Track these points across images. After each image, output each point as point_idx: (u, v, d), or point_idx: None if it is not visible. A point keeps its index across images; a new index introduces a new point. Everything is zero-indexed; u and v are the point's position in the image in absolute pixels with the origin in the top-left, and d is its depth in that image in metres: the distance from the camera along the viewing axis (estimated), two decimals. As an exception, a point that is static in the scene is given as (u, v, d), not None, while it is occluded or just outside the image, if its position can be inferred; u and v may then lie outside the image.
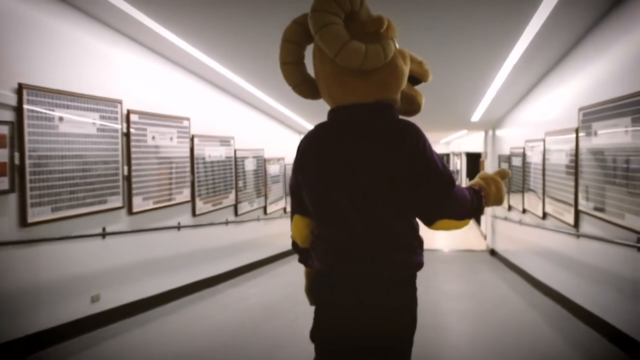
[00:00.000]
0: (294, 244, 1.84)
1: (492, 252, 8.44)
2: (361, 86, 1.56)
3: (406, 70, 1.64)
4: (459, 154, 17.92)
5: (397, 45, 1.61)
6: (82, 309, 3.59)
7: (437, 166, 1.53)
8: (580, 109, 3.94)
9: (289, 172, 8.35)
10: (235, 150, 5.99)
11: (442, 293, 5.42)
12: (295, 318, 4.07)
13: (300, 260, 1.85)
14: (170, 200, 4.57)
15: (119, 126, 3.86)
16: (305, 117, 7.83)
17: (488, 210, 8.95)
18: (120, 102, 3.86)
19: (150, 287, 4.32)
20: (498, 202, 1.78)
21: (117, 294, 3.93)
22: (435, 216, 1.59)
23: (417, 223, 1.66)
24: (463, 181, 15.82)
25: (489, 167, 8.85)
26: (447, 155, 23.37)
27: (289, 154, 8.32)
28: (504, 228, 7.47)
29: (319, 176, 1.61)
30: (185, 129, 4.83)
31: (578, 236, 4.07)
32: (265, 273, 6.48)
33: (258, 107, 6.78)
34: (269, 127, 7.45)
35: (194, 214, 5.03)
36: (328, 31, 1.46)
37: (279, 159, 7.69)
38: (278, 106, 6.64)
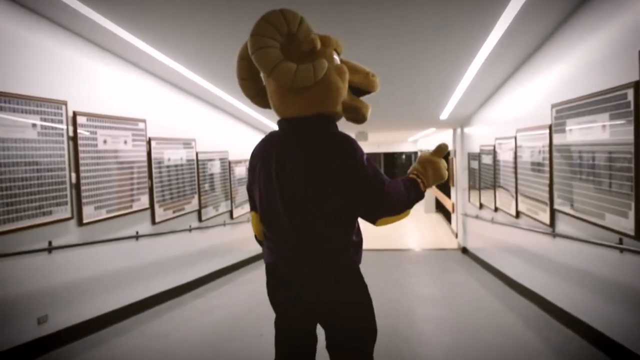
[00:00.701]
0: (256, 237, 2.03)
1: (464, 251, 8.37)
2: (297, 101, 1.71)
3: (342, 85, 1.74)
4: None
5: (338, 60, 1.76)
6: (27, 333, 3.24)
7: (369, 174, 1.66)
8: (553, 106, 3.83)
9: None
10: (197, 153, 5.68)
11: (416, 298, 5.26)
12: (261, 334, 3.82)
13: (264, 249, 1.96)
14: (126, 208, 4.25)
15: (63, 128, 3.52)
16: (271, 119, 7.57)
17: (458, 208, 8.89)
18: (64, 103, 3.52)
19: (104, 304, 3.99)
20: (439, 180, 1.89)
21: (67, 314, 3.58)
22: (375, 217, 1.71)
23: (354, 225, 1.79)
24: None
25: (459, 164, 8.78)
26: (415, 153, 23.49)
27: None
28: (476, 226, 7.39)
29: (261, 181, 1.78)
30: (141, 132, 4.50)
31: (554, 236, 3.96)
32: (233, 280, 6.19)
33: (221, 108, 6.49)
34: (234, 129, 7.16)
35: (153, 222, 4.71)
36: (262, 54, 1.61)
37: (245, 161, 7.40)
38: (243, 107, 6.36)
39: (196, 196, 5.65)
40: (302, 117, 1.72)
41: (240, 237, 7.12)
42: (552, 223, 3.97)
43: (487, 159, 6.33)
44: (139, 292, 4.45)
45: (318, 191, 1.66)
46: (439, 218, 13.34)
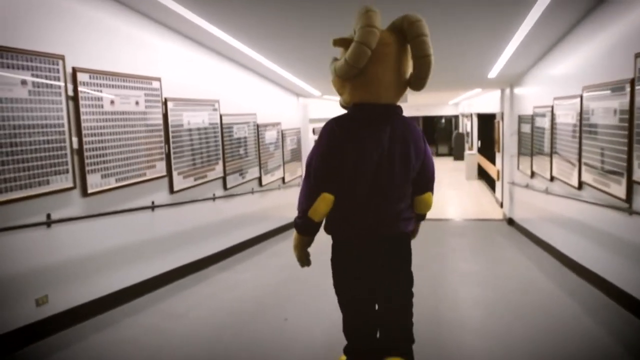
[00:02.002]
0: (306, 218, 2.00)
1: (510, 222, 7.74)
2: (400, 91, 2.04)
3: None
4: (468, 115, 17.01)
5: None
6: (25, 315, 2.94)
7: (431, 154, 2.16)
8: (637, 55, 3.15)
9: (289, 138, 7.61)
10: (221, 116, 5.23)
11: (458, 276, 4.75)
12: (285, 318, 3.42)
13: (306, 233, 2.08)
14: (139, 176, 3.87)
15: (61, 86, 3.10)
16: (306, 80, 7.03)
17: (504, 176, 8.20)
18: (61, 57, 3.09)
19: (114, 281, 3.66)
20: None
21: (69, 294, 3.27)
22: (429, 189, 2.24)
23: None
24: (474, 144, 14.99)
25: (507, 128, 8.05)
26: (456, 117, 22.47)
27: (287, 119, 7.55)
28: (525, 196, 6.74)
29: (361, 158, 1.94)
30: (156, 92, 4.07)
31: (630, 213, 3.34)
32: (261, 252, 5.83)
33: (248, 67, 5.98)
34: (263, 90, 6.67)
35: (171, 191, 4.33)
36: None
37: (275, 125, 6.93)
38: (274, 67, 5.83)
39: (220, 162, 5.24)
40: (394, 105, 2.02)
41: (269, 205, 6.73)
42: (629, 198, 3.35)
43: (542, 122, 5.63)
44: (154, 267, 4.12)
45: (411, 164, 2.03)
46: (481, 185, 12.62)
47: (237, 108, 5.73)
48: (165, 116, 4.20)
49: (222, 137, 5.27)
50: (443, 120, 24.13)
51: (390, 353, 2.16)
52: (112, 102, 3.56)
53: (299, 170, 8.20)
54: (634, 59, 3.18)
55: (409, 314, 2.23)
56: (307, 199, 1.99)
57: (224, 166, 5.32)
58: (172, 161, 4.30)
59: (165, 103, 4.20)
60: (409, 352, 2.21)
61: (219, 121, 5.20)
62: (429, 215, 2.39)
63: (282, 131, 7.25)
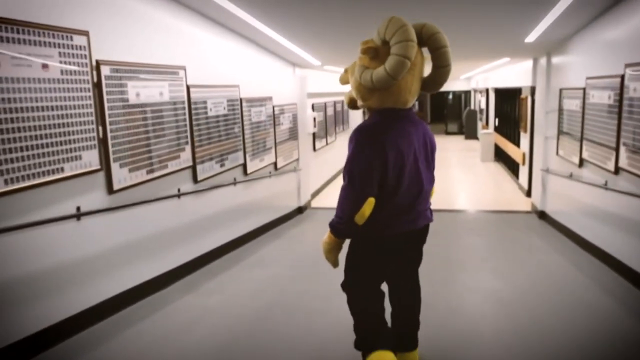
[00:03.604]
0: (352, 223, 2.08)
1: (542, 215, 6.57)
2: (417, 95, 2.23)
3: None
4: (483, 91, 15.69)
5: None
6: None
7: None
8: None
9: (283, 116, 6.40)
10: (188, 87, 4.03)
11: (482, 298, 3.60)
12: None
13: (346, 236, 2.19)
14: (54, 172, 2.71)
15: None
16: (304, 46, 5.78)
17: (536, 161, 6.98)
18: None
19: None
20: None
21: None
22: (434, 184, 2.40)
23: None
24: (491, 124, 13.71)
25: (540, 105, 6.80)
26: (466, 92, 21.12)
27: (280, 93, 6.34)
28: (566, 188, 5.56)
29: (402, 159, 2.07)
30: (81, 52, 2.87)
31: None
32: (240, 260, 4.70)
33: (228, 26, 4.74)
34: (248, 57, 5.43)
35: (110, 191, 3.16)
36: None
37: (264, 100, 5.72)
38: (261, 26, 4.58)
39: (188, 148, 4.06)
40: (412, 107, 2.21)
41: (258, 196, 5.58)
42: None
43: (600, 97, 4.41)
44: (77, 302, 2.99)
45: (433, 160, 2.30)
46: (499, 168, 11.38)
47: (213, 78, 4.52)
48: (98, 87, 3.01)
49: (190, 115, 4.07)
50: (450, 96, 22.73)
51: (408, 348, 2.42)
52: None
53: (295, 154, 7.02)
54: None
55: (420, 304, 2.49)
56: (353, 205, 2.06)
57: (193, 153, 4.13)
58: (110, 149, 3.12)
59: (97, 68, 3.00)
60: (417, 344, 2.46)
61: (185, 94, 4.00)
62: (436, 205, 2.51)
63: (274, 107, 6.05)
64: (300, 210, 7.19)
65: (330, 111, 9.58)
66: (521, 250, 5.17)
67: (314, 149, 8.51)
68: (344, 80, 2.36)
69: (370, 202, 2.05)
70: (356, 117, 12.25)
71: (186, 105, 4.02)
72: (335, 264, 2.28)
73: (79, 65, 2.86)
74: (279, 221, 6.28)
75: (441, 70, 2.08)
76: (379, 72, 1.98)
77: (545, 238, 5.63)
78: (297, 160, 7.13)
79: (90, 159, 2.95)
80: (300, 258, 4.77)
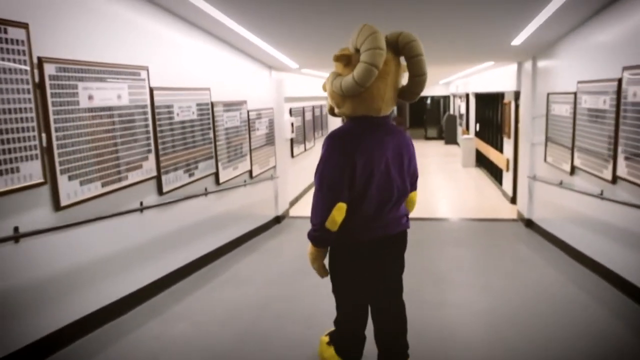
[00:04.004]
0: (324, 230, 2.09)
1: (529, 224, 6.34)
2: (393, 103, 2.19)
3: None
4: (463, 96, 15.57)
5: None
6: None
7: None
8: None
9: (259, 121, 6.04)
10: (151, 90, 3.65)
11: (471, 319, 3.29)
12: None
13: (323, 244, 2.19)
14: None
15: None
16: (280, 48, 5.43)
17: (522, 168, 6.75)
18: None
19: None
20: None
21: None
22: (414, 188, 2.40)
23: None
24: (472, 129, 13.55)
25: (525, 110, 6.58)
26: (445, 97, 21.04)
27: (256, 97, 5.98)
28: (555, 196, 5.32)
29: (374, 165, 2.08)
30: (18, 47, 2.48)
31: None
32: (211, 279, 4.31)
33: (197, 25, 4.37)
34: (219, 58, 5.06)
35: (57, 207, 2.76)
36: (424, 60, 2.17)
37: (238, 104, 5.35)
38: (235, 26, 4.22)
39: (152, 157, 3.67)
40: (387, 115, 2.19)
41: (231, 207, 5.20)
42: None
43: (594, 102, 4.17)
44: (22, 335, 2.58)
45: (408, 168, 2.25)
46: (480, 174, 11.19)
47: (180, 80, 4.14)
48: (40, 88, 2.61)
49: (154, 120, 3.69)
50: (429, 102, 22.63)
51: (396, 357, 2.39)
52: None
53: (272, 161, 6.65)
54: None
55: (405, 311, 2.43)
56: (322, 211, 2.07)
57: (158, 162, 3.74)
58: (56, 159, 2.72)
59: (39, 66, 2.60)
60: (407, 353, 2.41)
61: (147, 97, 3.62)
62: (417, 214, 2.64)
63: (248, 112, 5.68)
64: (278, 219, 6.82)
65: (308, 116, 9.25)
66: (510, 261, 4.90)
67: (292, 155, 8.16)
68: (324, 88, 2.29)
69: (340, 207, 2.06)
70: (336, 123, 11.95)
71: (149, 109, 3.63)
72: (320, 272, 2.29)
73: (15, 63, 2.46)
74: (255, 232, 5.91)
75: (416, 79, 2.08)
76: (348, 79, 2.00)
77: (534, 247, 5.38)
78: (274, 167, 6.77)
79: (31, 170, 2.54)
80: (278, 274, 4.39)
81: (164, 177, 3.83)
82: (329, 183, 2.06)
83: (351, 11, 3.82)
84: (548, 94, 5.51)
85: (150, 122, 3.64)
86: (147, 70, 3.60)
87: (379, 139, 2.10)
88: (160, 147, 3.75)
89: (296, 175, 8.35)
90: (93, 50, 3.05)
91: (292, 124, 7.82)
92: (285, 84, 7.34)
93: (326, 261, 2.30)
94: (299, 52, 5.95)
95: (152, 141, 3.66)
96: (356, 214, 2.11)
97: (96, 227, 3.09)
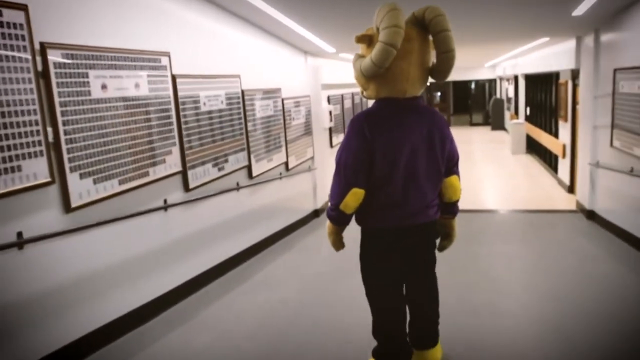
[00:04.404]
0: (338, 211, 2.06)
1: (591, 215, 5.75)
2: (423, 84, 2.09)
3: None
4: (510, 78, 14.73)
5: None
6: None
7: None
8: None
9: (295, 110, 5.71)
10: (174, 78, 3.36)
11: (540, 328, 2.84)
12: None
13: (339, 223, 2.15)
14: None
15: None
16: (317, 32, 5.06)
17: (582, 153, 6.14)
18: None
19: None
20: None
21: None
22: (455, 171, 2.22)
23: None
24: (521, 113, 12.77)
25: (586, 90, 5.96)
26: (491, 81, 20.10)
27: (290, 85, 5.65)
28: (625, 184, 4.75)
29: (394, 150, 1.99)
30: (19, 31, 2.22)
31: None
32: (242, 281, 4.02)
33: (226, 8, 4.06)
34: (250, 44, 4.74)
35: (67, 209, 2.51)
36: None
37: (272, 92, 5.04)
38: (267, 8, 3.89)
39: (176, 150, 3.40)
40: (417, 96, 2.06)
41: (266, 202, 4.90)
42: None
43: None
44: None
45: (439, 153, 2.07)
46: (533, 162, 10.47)
47: (206, 67, 3.85)
48: (44, 77, 2.35)
49: (178, 111, 3.41)
50: (473, 85, 21.70)
51: (425, 346, 2.29)
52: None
53: (310, 151, 6.32)
54: None
55: (437, 304, 2.31)
56: (338, 194, 2.04)
57: (183, 156, 3.47)
58: (65, 155, 2.47)
59: (42, 52, 2.34)
60: (437, 341, 2.33)
61: (170, 86, 3.34)
62: (463, 205, 2.33)
63: (283, 100, 5.36)
64: (316, 213, 6.50)
65: (347, 103, 8.84)
66: (573, 259, 4.38)
67: (331, 145, 7.80)
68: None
69: (355, 192, 2.02)
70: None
71: (172, 99, 3.35)
72: (335, 246, 2.25)
73: (14, 50, 2.20)
74: (292, 228, 5.60)
75: (442, 56, 1.97)
76: (366, 60, 1.94)
77: (599, 243, 4.84)
78: (312, 158, 6.43)
79: (36, 169, 2.29)
80: (314, 275, 4.05)
81: (190, 172, 3.56)
82: (345, 167, 2.02)
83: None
84: (615, 70, 4.90)
85: (173, 112, 3.36)
86: (169, 57, 3.31)
87: (403, 121, 2.00)
88: (185, 139, 3.47)
89: (335, 166, 7.99)
90: (105, 34, 2.78)
91: (331, 112, 7.45)
92: (322, 71, 6.97)
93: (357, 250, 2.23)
94: (336, 35, 5.55)
95: (176, 133, 3.39)
96: (377, 200, 2.05)
97: (113, 229, 2.83)
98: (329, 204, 2.13)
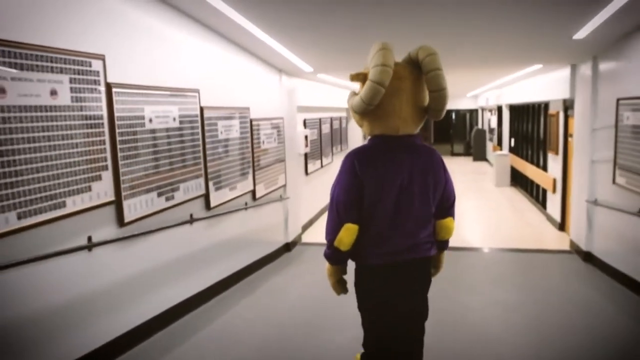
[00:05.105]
0: (334, 248, 2.04)
1: (588, 257, 5.24)
2: (417, 123, 2.09)
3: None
4: (493, 109, 14.47)
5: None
6: None
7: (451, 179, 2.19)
8: None
9: (265, 132, 5.12)
10: (109, 86, 2.74)
11: None
12: None
13: (336, 262, 2.12)
14: None
15: None
16: (292, 47, 4.52)
17: (577, 189, 5.66)
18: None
19: None
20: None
21: None
22: (450, 213, 2.20)
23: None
24: (505, 144, 12.41)
25: (582, 121, 5.51)
26: (472, 111, 19.93)
27: (261, 104, 5.09)
28: (630, 226, 4.25)
29: (389, 185, 1.99)
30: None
31: None
32: (194, 332, 3.34)
33: (192, 15, 3.50)
34: (212, 56, 4.16)
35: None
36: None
37: (238, 111, 4.45)
38: (238, 18, 3.34)
39: (108, 176, 2.75)
40: (412, 135, 2.07)
41: (224, 238, 4.25)
42: None
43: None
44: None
45: (431, 193, 2.06)
46: (517, 195, 10.02)
47: (154, 78, 3.24)
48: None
49: (113, 127, 2.76)
50: (453, 115, 21.52)
51: None
52: None
53: (282, 179, 5.71)
54: None
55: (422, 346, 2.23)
56: (332, 230, 2.04)
57: (117, 182, 2.81)
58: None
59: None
60: None
61: (103, 96, 2.70)
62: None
63: (251, 121, 4.77)
64: (288, 247, 5.86)
65: (325, 128, 8.30)
66: (572, 309, 3.84)
67: (306, 173, 7.22)
68: None
69: (348, 227, 2.01)
70: (355, 135, 11.03)
71: (105, 112, 2.71)
72: (335, 289, 2.21)
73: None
74: (258, 264, 4.95)
75: (433, 95, 1.98)
76: (356, 98, 1.98)
77: (600, 289, 4.36)
78: (284, 186, 5.82)
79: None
80: (279, 330, 3.39)
81: (126, 203, 2.89)
82: (337, 203, 2.03)
83: (376, 7, 2.94)
84: (618, 100, 4.45)
85: (106, 129, 2.71)
86: (104, 60, 2.69)
87: (395, 158, 2.01)
88: (121, 163, 2.82)
89: (311, 195, 7.39)
90: (8, 27, 2.15)
91: (307, 137, 6.89)
92: (298, 91, 6.44)
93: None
94: (315, 53, 5.02)
95: (108, 154, 2.74)
96: (365, 236, 2.04)
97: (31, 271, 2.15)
98: (326, 243, 2.09)
